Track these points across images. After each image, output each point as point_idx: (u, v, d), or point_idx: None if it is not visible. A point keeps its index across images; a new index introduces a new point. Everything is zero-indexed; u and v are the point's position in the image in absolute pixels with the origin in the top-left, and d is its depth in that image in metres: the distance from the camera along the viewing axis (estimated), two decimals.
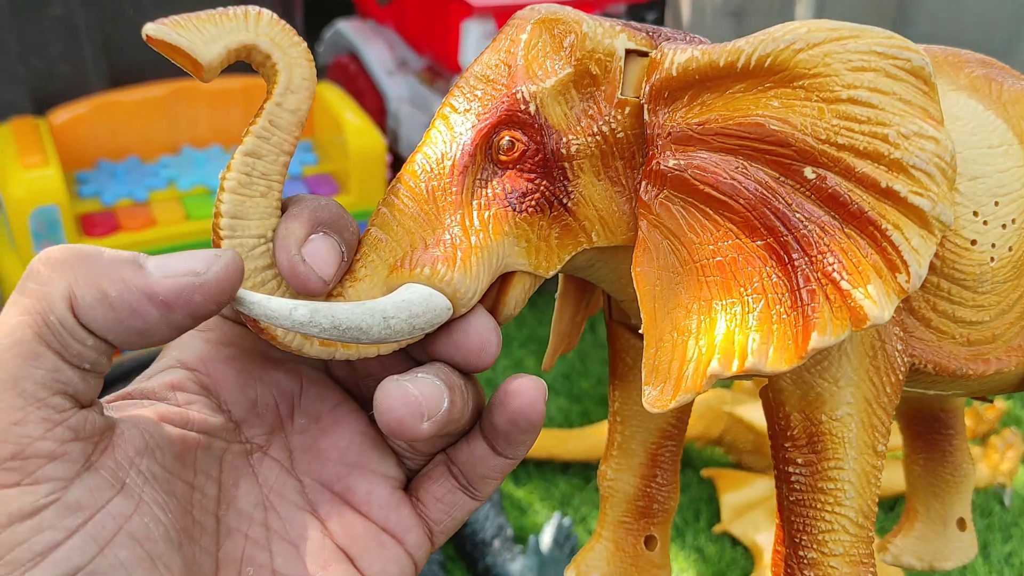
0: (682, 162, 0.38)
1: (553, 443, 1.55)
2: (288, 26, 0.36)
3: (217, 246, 0.36)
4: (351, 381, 0.42)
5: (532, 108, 0.39)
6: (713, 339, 0.37)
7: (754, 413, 1.48)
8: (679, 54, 0.38)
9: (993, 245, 0.46)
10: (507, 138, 0.39)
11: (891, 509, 1.53)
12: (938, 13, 1.62)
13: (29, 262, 1.31)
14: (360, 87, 2.21)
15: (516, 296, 0.41)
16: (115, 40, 1.88)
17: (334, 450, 0.40)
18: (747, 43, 0.36)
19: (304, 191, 1.78)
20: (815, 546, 0.46)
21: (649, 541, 0.55)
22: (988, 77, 0.51)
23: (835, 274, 0.35)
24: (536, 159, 0.39)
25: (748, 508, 1.49)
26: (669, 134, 0.38)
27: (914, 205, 0.35)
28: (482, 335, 0.38)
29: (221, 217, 0.35)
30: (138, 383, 0.38)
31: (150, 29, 0.33)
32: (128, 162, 1.82)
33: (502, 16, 1.92)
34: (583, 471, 1.57)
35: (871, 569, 0.46)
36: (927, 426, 0.67)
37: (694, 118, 0.38)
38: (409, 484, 0.41)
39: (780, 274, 0.36)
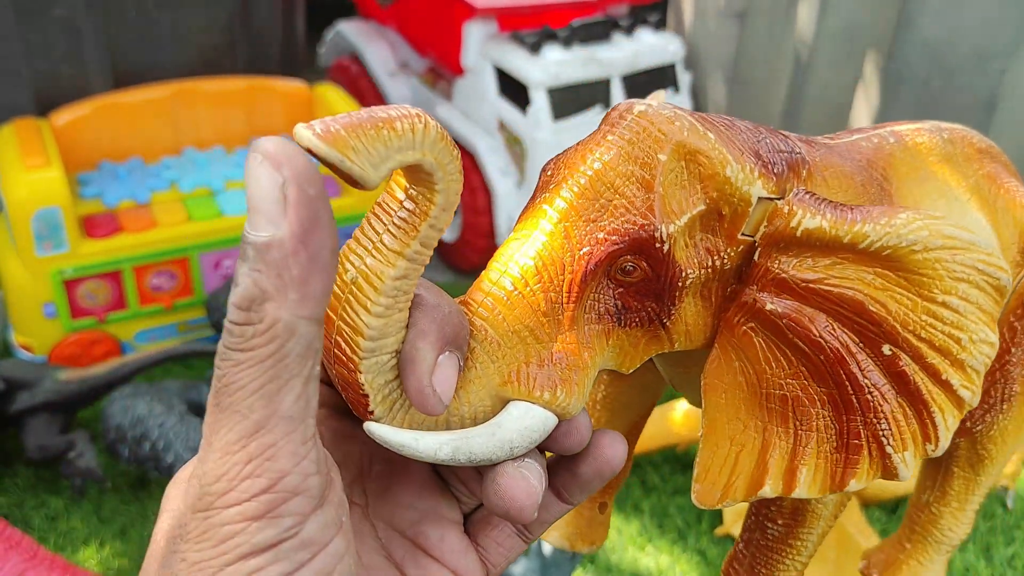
0: (779, 308, 0.41)
1: None
2: (448, 136, 0.33)
3: (352, 362, 0.35)
4: None
5: (666, 247, 0.39)
6: (766, 459, 0.42)
7: None
8: (809, 219, 0.40)
9: None
10: (631, 263, 0.39)
11: (893, 511, 1.53)
12: (941, 17, 1.62)
13: (31, 263, 1.31)
14: (362, 88, 2.22)
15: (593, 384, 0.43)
16: (118, 42, 1.88)
17: (406, 495, 0.40)
18: (873, 230, 0.40)
19: None
20: None
21: (602, 507, 0.64)
22: (992, 176, 0.57)
23: (883, 437, 0.41)
24: (652, 287, 0.40)
25: None
26: (774, 278, 0.41)
27: (959, 396, 0.41)
28: (582, 434, 0.40)
29: (363, 339, 0.34)
30: None
31: (318, 148, 0.30)
32: (130, 163, 1.82)
33: (504, 17, 1.92)
34: None
35: None
36: None
37: (800, 273, 0.41)
38: (467, 526, 0.42)
39: (833, 419, 0.41)
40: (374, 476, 0.40)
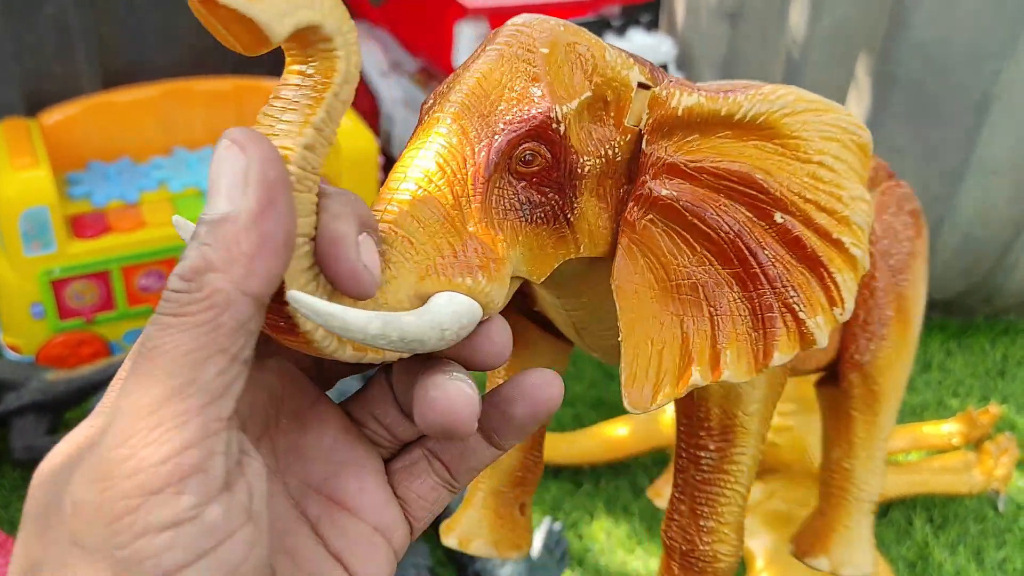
0: (674, 192, 0.43)
1: (545, 447, 1.54)
2: (345, 8, 0.33)
3: None
4: (316, 372, 0.41)
5: (562, 128, 0.40)
6: (689, 351, 0.42)
7: None
8: (686, 97, 0.43)
9: None
10: (530, 152, 0.40)
11: (883, 515, 1.52)
12: (934, 16, 1.62)
13: (19, 263, 1.30)
14: None
15: (506, 299, 0.42)
16: (108, 41, 1.87)
17: (319, 448, 0.39)
18: (746, 100, 0.42)
19: None
20: (714, 516, 0.56)
21: (522, 508, 0.62)
22: None
23: (794, 305, 0.42)
24: (553, 175, 0.41)
25: None
26: (663, 164, 0.43)
27: (852, 254, 0.43)
28: (504, 337, 0.39)
29: None
30: None
31: None
32: (120, 163, 1.81)
33: (496, 17, 1.91)
34: (574, 476, 1.56)
35: (743, 531, 0.58)
36: None
37: (686, 155, 0.43)
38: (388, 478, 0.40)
39: (744, 299, 0.42)
40: (282, 430, 0.38)
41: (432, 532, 1.43)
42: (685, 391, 0.43)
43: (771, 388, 0.55)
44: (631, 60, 0.43)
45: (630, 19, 2.00)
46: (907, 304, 0.69)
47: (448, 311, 0.36)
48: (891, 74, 1.70)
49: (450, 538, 0.59)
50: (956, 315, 2.00)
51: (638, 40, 1.95)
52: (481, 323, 0.38)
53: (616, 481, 1.56)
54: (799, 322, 0.42)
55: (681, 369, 0.43)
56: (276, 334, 0.35)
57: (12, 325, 1.62)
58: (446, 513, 1.25)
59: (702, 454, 0.55)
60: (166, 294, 0.30)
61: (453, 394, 0.35)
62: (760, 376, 0.50)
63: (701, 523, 0.56)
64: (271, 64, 2.16)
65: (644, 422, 1.53)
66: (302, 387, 0.39)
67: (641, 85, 0.43)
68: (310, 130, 0.33)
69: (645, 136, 0.43)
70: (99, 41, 1.86)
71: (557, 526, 1.42)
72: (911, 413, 1.75)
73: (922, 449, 1.58)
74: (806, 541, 0.77)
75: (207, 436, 0.29)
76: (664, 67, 2.01)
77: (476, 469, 0.40)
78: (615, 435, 1.53)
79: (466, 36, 1.91)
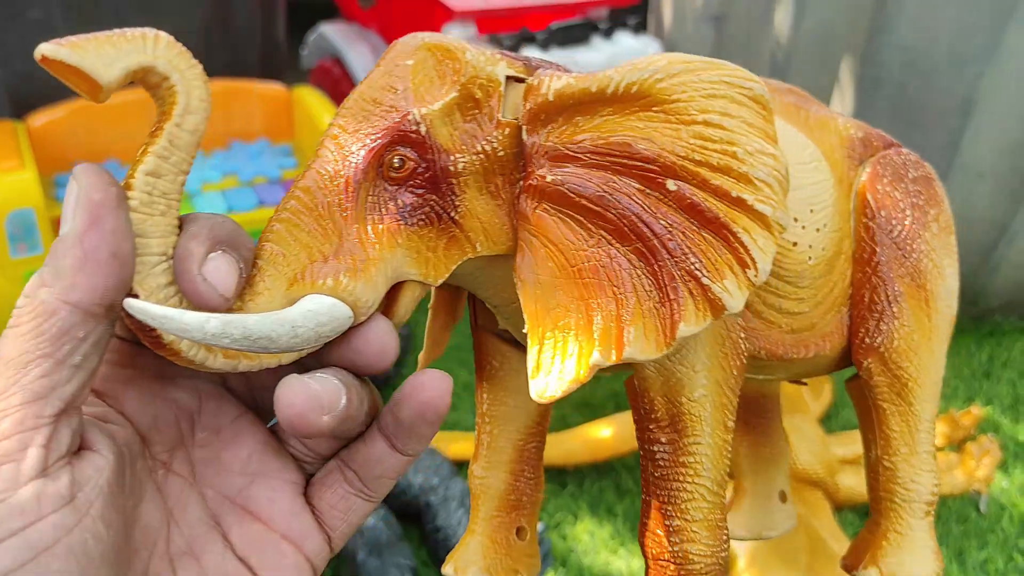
0: (559, 177, 0.42)
1: None
2: (185, 49, 0.37)
3: None
4: (247, 395, 0.43)
5: (423, 129, 0.41)
6: (592, 333, 0.41)
7: None
8: (555, 81, 0.42)
9: (810, 246, 0.54)
10: (398, 157, 0.41)
11: (867, 515, 1.53)
12: (916, 20, 1.63)
13: (4, 265, 1.30)
14: (344, 90, 2.21)
15: (406, 304, 0.43)
16: None
17: (235, 461, 0.41)
18: (616, 72, 0.41)
19: (284, 194, 1.78)
20: (679, 514, 0.52)
21: (520, 531, 0.59)
22: (796, 104, 0.61)
23: (697, 271, 0.40)
24: (426, 176, 0.42)
25: None
26: (546, 152, 0.42)
27: (758, 211, 0.41)
28: (381, 339, 0.40)
29: None
30: None
31: (46, 50, 0.33)
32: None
33: (482, 20, 1.92)
34: (558, 476, 1.57)
35: (725, 533, 0.52)
36: (749, 411, 0.75)
37: (568, 137, 0.42)
38: (306, 490, 0.42)
39: (648, 274, 0.41)
40: (199, 443, 0.41)
41: (416, 532, 1.44)
42: (589, 374, 0.41)
43: (721, 371, 0.51)
44: (497, 56, 0.43)
45: (617, 22, 2.01)
46: (924, 279, 0.62)
47: (301, 309, 0.38)
48: (874, 77, 1.70)
49: (448, 567, 0.58)
50: None
51: (625, 43, 1.96)
52: (359, 326, 0.40)
53: (600, 482, 1.56)
54: (704, 288, 0.41)
55: (586, 353, 0.42)
56: (154, 348, 0.37)
57: None
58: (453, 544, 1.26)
59: (656, 448, 0.52)
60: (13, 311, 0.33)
61: (294, 389, 0.37)
62: (700, 358, 0.50)
63: (667, 523, 0.53)
64: (260, 68, 2.16)
65: (628, 424, 1.54)
66: (223, 404, 0.42)
67: (513, 79, 0.43)
68: (151, 158, 0.36)
69: (524, 127, 0.43)
70: None
71: (540, 526, 1.43)
72: None
73: None
74: (855, 553, 0.69)
75: (23, 430, 0.32)
76: None
77: (386, 477, 0.42)
78: (599, 436, 1.54)
79: None
